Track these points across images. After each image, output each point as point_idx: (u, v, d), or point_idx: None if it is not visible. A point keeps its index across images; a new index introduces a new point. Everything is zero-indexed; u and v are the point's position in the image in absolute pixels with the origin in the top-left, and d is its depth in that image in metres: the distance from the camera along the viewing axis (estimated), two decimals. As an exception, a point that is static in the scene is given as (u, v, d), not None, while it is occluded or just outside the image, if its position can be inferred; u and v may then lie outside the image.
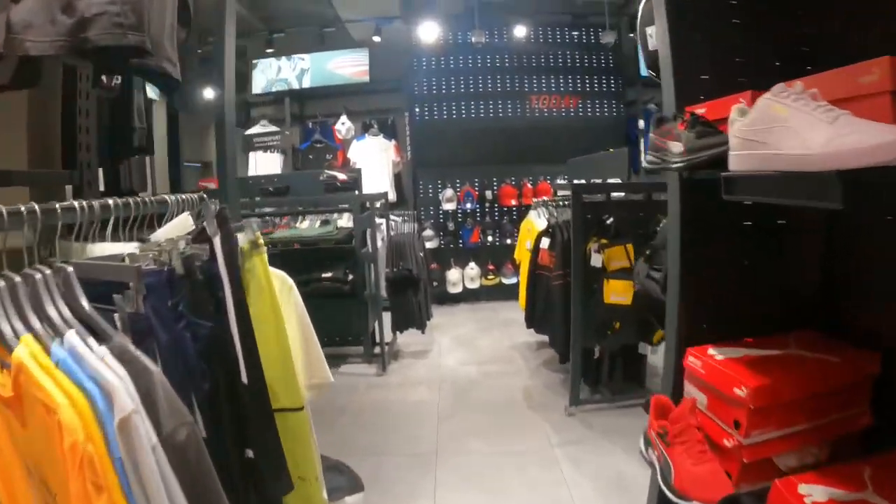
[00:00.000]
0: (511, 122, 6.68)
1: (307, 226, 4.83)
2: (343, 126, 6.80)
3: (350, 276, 4.39)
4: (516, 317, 5.08)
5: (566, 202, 3.79)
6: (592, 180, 4.41)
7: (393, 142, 6.74)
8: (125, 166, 2.41)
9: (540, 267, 3.99)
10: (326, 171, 4.71)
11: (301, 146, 6.97)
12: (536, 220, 4.40)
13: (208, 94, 2.80)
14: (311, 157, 6.89)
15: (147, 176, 2.66)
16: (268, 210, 4.88)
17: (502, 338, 5.16)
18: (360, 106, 7.08)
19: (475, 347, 4.94)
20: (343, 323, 4.69)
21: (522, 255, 4.67)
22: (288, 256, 4.63)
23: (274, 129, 6.87)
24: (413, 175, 6.91)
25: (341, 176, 4.64)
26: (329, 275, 4.32)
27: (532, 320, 4.22)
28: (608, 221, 3.49)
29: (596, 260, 3.27)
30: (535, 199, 4.86)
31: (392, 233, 4.75)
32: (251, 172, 6.44)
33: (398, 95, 6.95)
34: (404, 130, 7.10)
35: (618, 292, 3.20)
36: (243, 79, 6.78)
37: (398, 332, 4.70)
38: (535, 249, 4.05)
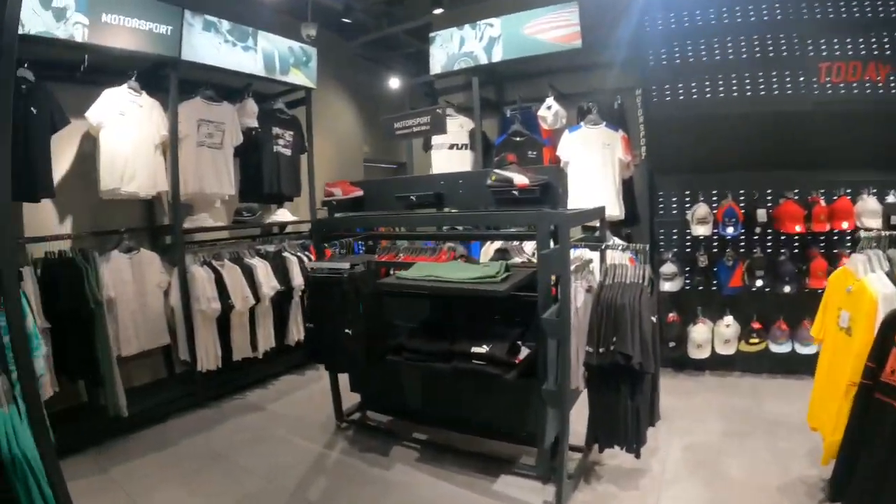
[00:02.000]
0: (792, 104, 4.25)
1: (455, 261, 3.33)
2: (549, 111, 5.06)
3: (520, 355, 2.78)
4: (791, 414, 3.31)
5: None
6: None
7: (620, 133, 4.81)
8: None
9: (887, 388, 1.96)
10: (496, 170, 3.12)
11: (496, 141, 5.42)
12: (872, 281, 2.32)
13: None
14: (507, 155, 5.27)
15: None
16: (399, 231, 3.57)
17: (769, 460, 3.08)
18: (573, 85, 5.24)
19: (720, 478, 2.95)
20: (504, 407, 3.14)
21: (829, 335, 2.62)
22: (414, 305, 3.28)
23: (462, 119, 5.45)
24: (648, 182, 4.92)
25: (520, 179, 3.02)
26: (483, 350, 2.77)
27: (843, 490, 2.19)
28: None
29: None
30: (862, 232, 2.67)
31: (605, 278, 2.89)
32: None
33: (627, 69, 4.93)
34: (636, 118, 5.08)
35: None
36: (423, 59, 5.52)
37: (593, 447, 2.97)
38: (880, 346, 2.03)
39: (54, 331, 3.56)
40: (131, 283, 4.15)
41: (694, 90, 4.50)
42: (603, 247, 3.09)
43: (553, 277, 2.73)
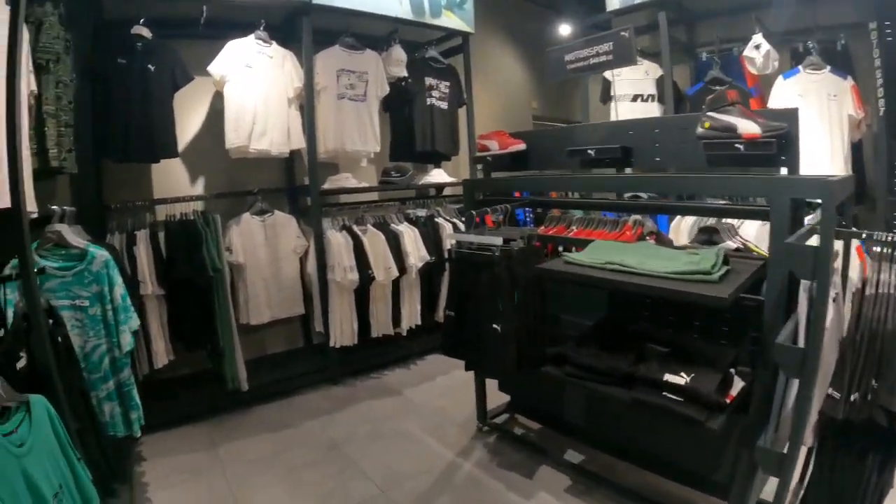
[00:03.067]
0: None
1: (644, 241, 2.45)
2: (758, 52, 3.86)
3: (732, 391, 1.92)
4: None
5: None
6: None
7: (849, 81, 3.62)
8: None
9: None
10: (710, 113, 2.20)
11: (688, 91, 4.37)
12: None
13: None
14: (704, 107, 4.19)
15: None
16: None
17: None
18: (786, 21, 4.00)
19: None
20: (690, 441, 2.31)
21: None
22: (585, 296, 2.48)
23: (647, 64, 4.46)
24: (886, 147, 3.59)
25: (746, 126, 2.08)
26: (682, 381, 1.90)
27: None
28: None
29: None
30: None
31: (866, 286, 1.83)
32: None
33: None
34: (867, 63, 3.72)
35: None
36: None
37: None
38: None
39: (171, 298, 3.36)
40: (264, 247, 3.83)
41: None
42: (864, 236, 2.02)
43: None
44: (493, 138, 2.78)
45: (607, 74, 4.57)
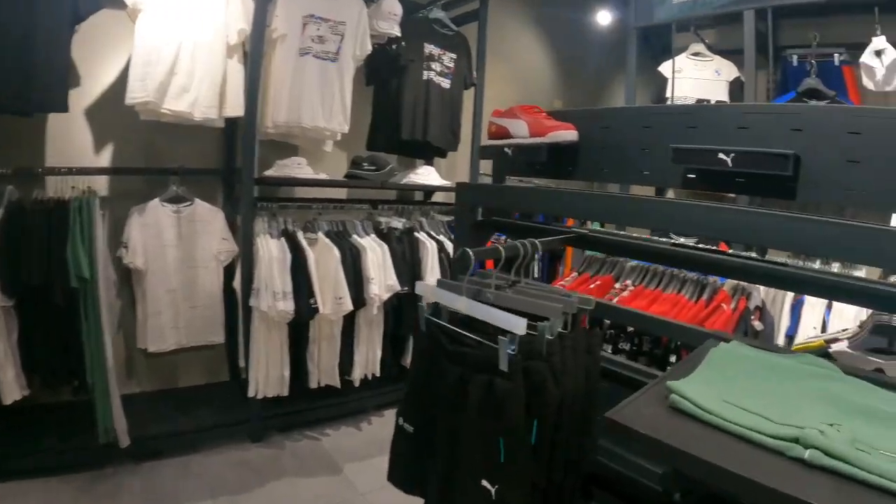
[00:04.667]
0: None
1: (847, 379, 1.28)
2: (878, 60, 2.89)
3: None
4: None
5: None
6: None
7: None
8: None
9: None
10: None
11: (774, 101, 3.31)
12: None
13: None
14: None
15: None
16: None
17: None
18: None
19: None
20: None
21: None
22: None
23: (718, 62, 3.41)
24: None
25: None
26: None
27: None
28: None
29: None
30: None
31: None
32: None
33: None
34: None
35: None
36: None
37: None
38: None
39: (22, 312, 2.36)
40: (175, 248, 2.79)
41: None
42: None
43: None
44: (520, 116, 1.63)
45: (664, 70, 3.51)
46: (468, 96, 3.65)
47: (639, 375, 1.40)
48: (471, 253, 1.23)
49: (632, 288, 1.73)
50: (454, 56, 3.48)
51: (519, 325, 1.08)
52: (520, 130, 1.60)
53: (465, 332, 1.22)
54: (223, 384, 3.34)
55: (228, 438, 2.92)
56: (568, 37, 5.15)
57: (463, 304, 1.23)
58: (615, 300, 1.66)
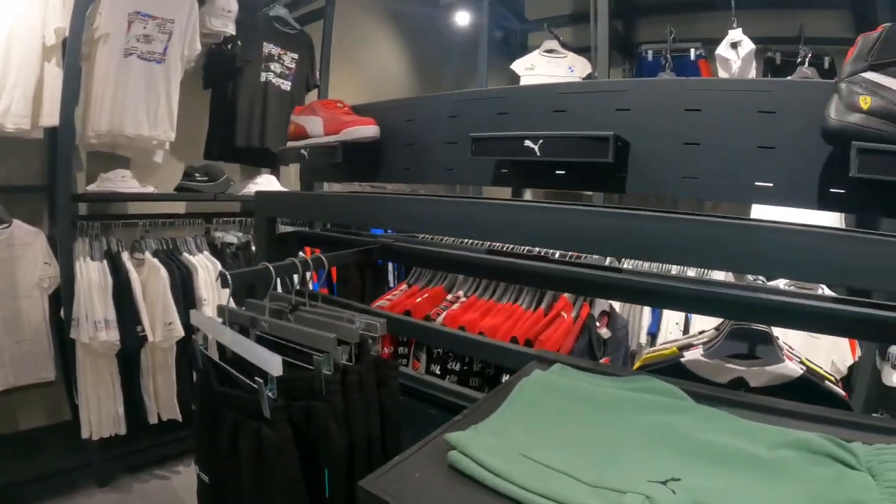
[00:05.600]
0: None
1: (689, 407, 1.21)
2: (734, 52, 2.94)
3: None
4: None
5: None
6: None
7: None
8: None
9: None
10: (868, 75, 0.84)
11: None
12: None
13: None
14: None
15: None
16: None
17: None
18: (765, 27, 3.16)
19: None
20: None
21: None
22: None
23: (571, 58, 3.44)
24: None
25: None
26: None
27: None
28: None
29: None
30: None
31: None
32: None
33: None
34: None
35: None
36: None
37: None
38: None
39: None
40: (-11, 276, 2.44)
41: None
42: None
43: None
44: (318, 112, 1.50)
45: (517, 67, 3.51)
46: (311, 99, 3.48)
47: (465, 402, 1.21)
48: (228, 275, 1.08)
49: (464, 299, 1.64)
50: (295, 56, 3.32)
51: (273, 364, 0.94)
52: (316, 128, 1.47)
53: (233, 371, 1.06)
54: (66, 424, 3.00)
55: (72, 485, 2.63)
56: (426, 39, 5.08)
57: (228, 337, 1.07)
58: (443, 314, 1.55)
